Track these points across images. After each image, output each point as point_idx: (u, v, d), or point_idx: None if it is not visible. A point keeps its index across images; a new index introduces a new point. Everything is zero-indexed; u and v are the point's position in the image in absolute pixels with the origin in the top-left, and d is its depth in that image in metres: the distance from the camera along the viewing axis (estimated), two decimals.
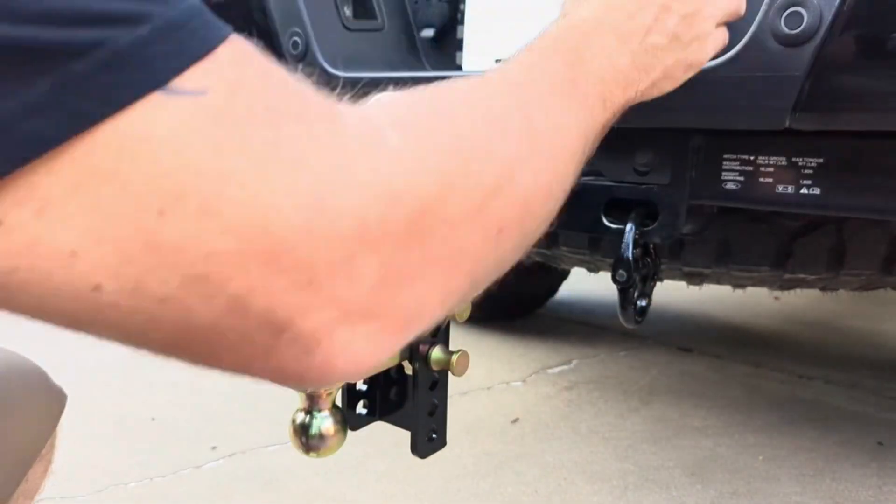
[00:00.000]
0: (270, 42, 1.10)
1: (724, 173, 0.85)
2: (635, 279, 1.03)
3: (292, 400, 0.61)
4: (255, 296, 0.29)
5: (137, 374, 1.89)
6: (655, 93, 0.60)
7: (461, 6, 1.11)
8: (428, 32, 1.16)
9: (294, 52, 1.08)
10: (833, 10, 0.67)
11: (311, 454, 0.61)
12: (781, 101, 0.72)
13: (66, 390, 0.71)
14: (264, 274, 0.29)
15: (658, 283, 1.20)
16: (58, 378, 0.70)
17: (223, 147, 0.28)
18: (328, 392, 0.60)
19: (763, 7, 0.71)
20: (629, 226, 0.89)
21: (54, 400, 0.68)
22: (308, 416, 0.60)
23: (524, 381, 1.95)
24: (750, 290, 2.07)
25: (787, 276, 1.41)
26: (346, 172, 0.31)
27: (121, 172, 0.27)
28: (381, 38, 1.15)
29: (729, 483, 1.42)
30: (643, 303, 1.04)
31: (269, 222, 0.29)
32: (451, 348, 0.66)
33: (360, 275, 0.31)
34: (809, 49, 0.69)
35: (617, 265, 0.89)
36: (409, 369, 0.66)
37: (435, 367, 0.65)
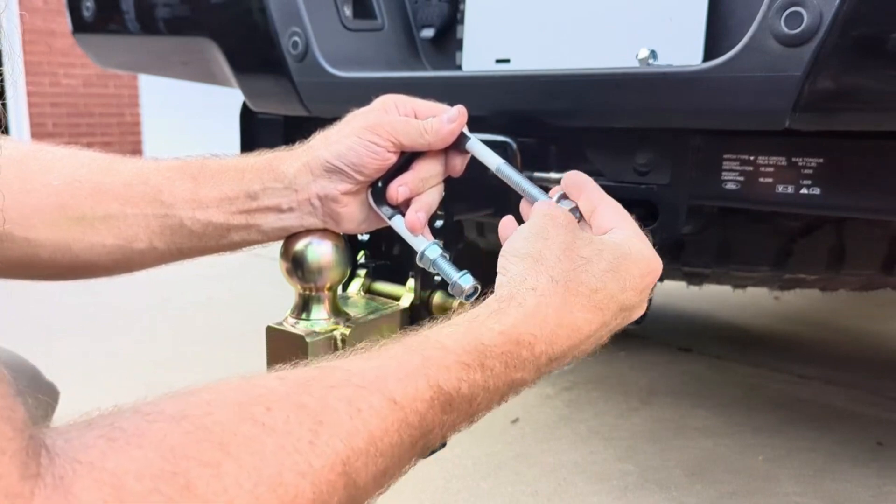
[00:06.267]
0: (270, 42, 1.10)
1: (724, 173, 0.85)
2: None
3: None
4: None
5: (132, 372, 1.89)
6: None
7: (461, 6, 1.10)
8: (428, 32, 1.16)
9: (294, 52, 1.07)
10: (833, 10, 0.67)
11: None
12: (781, 101, 0.72)
13: (58, 387, 0.70)
14: None
15: (658, 283, 1.20)
16: (49, 375, 0.70)
17: None
18: None
19: (763, 7, 0.71)
20: None
21: (46, 396, 0.68)
22: None
23: None
24: (750, 290, 2.07)
25: (787, 276, 1.41)
26: None
27: None
28: (381, 38, 1.14)
29: (729, 483, 1.42)
30: None
31: None
32: None
33: None
34: (809, 49, 0.69)
35: None
36: None
37: None
